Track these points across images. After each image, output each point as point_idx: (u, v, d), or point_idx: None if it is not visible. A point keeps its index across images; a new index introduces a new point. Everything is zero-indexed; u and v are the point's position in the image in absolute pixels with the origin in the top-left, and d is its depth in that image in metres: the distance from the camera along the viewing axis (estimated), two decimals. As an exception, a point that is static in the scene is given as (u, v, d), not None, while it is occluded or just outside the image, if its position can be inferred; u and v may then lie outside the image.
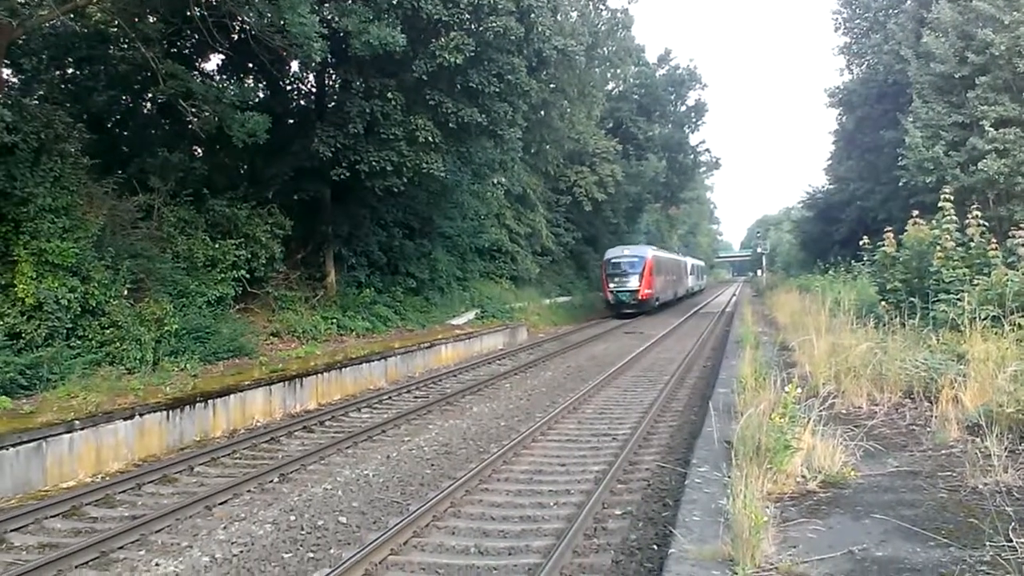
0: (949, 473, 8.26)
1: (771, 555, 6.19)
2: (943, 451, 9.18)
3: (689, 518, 7.27)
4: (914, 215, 18.46)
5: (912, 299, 15.70)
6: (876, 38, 44.23)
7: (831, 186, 58.31)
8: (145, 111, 24.75)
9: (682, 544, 6.55)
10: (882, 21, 44.42)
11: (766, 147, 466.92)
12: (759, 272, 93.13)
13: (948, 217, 16.59)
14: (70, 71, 22.84)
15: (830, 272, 33.65)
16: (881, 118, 43.32)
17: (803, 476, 8.30)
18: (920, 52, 34.49)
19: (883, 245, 18.81)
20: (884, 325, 14.92)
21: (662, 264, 51.31)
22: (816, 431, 8.87)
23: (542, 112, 34.69)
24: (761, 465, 7.82)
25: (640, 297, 45.20)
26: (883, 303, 17.44)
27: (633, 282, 45.25)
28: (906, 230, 18.23)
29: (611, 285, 45.88)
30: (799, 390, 9.08)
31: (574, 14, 38.50)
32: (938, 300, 14.73)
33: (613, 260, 46.73)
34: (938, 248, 16.08)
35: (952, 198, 17.01)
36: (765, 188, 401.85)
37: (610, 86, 58.84)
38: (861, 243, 21.39)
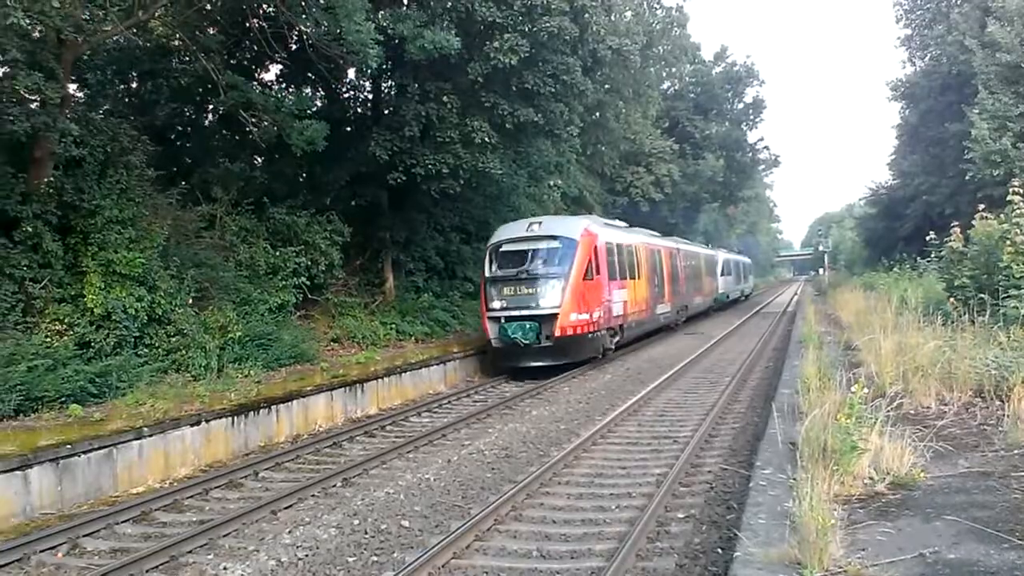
0: (1023, 473, 8.03)
1: (839, 558, 6.07)
2: (1016, 451, 8.93)
3: (754, 521, 7.16)
4: (981, 209, 18.00)
5: (981, 295, 15.30)
6: (939, 29, 43.19)
7: (895, 181, 57.05)
8: (206, 122, 25.22)
9: (747, 547, 6.45)
10: (945, 11, 43.40)
11: (827, 143, 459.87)
12: (821, 271, 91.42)
13: (1018, 210, 16.13)
14: (134, 85, 23.37)
15: (895, 269, 32.96)
16: (945, 111, 42.32)
17: (871, 478, 8.13)
18: (985, 42, 33.64)
19: (950, 240, 18.38)
20: (952, 323, 14.56)
21: (633, 255, 28.36)
22: (883, 432, 8.68)
23: (597, 113, 34.55)
24: (827, 467, 7.68)
25: (561, 332, 21.39)
26: (951, 300, 17.02)
27: (546, 295, 21.70)
28: (973, 225, 17.79)
29: (493, 304, 22.11)
30: (865, 390, 8.89)
31: (628, 13, 38.23)
32: (1008, 296, 14.32)
33: (505, 247, 23.17)
34: (1008, 243, 15.63)
35: (1021, 191, 16.55)
36: (826, 185, 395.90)
37: (665, 85, 58.41)
38: (927, 239, 20.93)
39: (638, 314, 28.09)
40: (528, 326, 21.23)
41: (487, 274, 22.68)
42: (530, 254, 22.49)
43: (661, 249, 33.91)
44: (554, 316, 21.25)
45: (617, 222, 30.88)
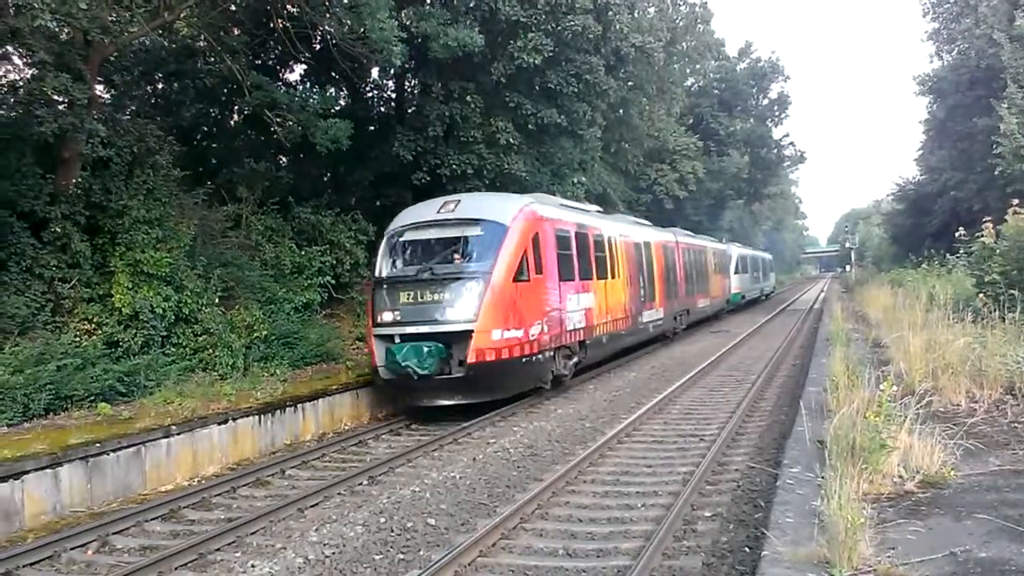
0: (1056, 472, 7.94)
1: (868, 557, 6.00)
2: (1049, 449, 8.82)
3: (782, 519, 7.11)
4: (1013, 204, 17.78)
5: (1012, 291, 15.10)
6: (967, 22, 42.67)
7: (922, 177, 56.44)
8: (232, 123, 25.43)
9: (775, 546, 6.40)
10: (973, 5, 42.86)
11: (853, 138, 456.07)
12: (847, 267, 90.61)
13: (1051, 205, 15.94)
14: (160, 86, 23.59)
15: (923, 266, 32.62)
16: (974, 105, 41.81)
17: (900, 476, 8.06)
18: (1014, 35, 33.27)
19: (981, 236, 18.17)
20: (982, 319, 14.39)
21: (606, 247, 22.48)
22: (913, 430, 8.61)
23: (621, 111, 34.51)
24: (856, 465, 7.61)
25: (478, 357, 15.27)
26: (980, 296, 16.83)
27: (458, 303, 15.60)
28: (1005, 219, 17.57)
29: (383, 317, 16.11)
30: (894, 388, 8.81)
31: (651, 10, 38.21)
32: (1041, 292, 14.16)
33: (407, 235, 17.38)
34: (1040, 238, 15.46)
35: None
36: (853, 181, 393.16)
37: (689, 82, 58.21)
38: (957, 235, 20.70)
39: (612, 324, 22.06)
40: (428, 349, 14.89)
41: (377, 274, 16.87)
42: (439, 245, 16.63)
43: (651, 242, 28.08)
44: (467, 334, 15.01)
45: (587, 205, 24.72)
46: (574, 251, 19.39)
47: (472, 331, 15.05)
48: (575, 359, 19.31)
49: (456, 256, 16.28)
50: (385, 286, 16.31)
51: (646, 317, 25.84)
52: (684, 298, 32.26)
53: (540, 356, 16.89)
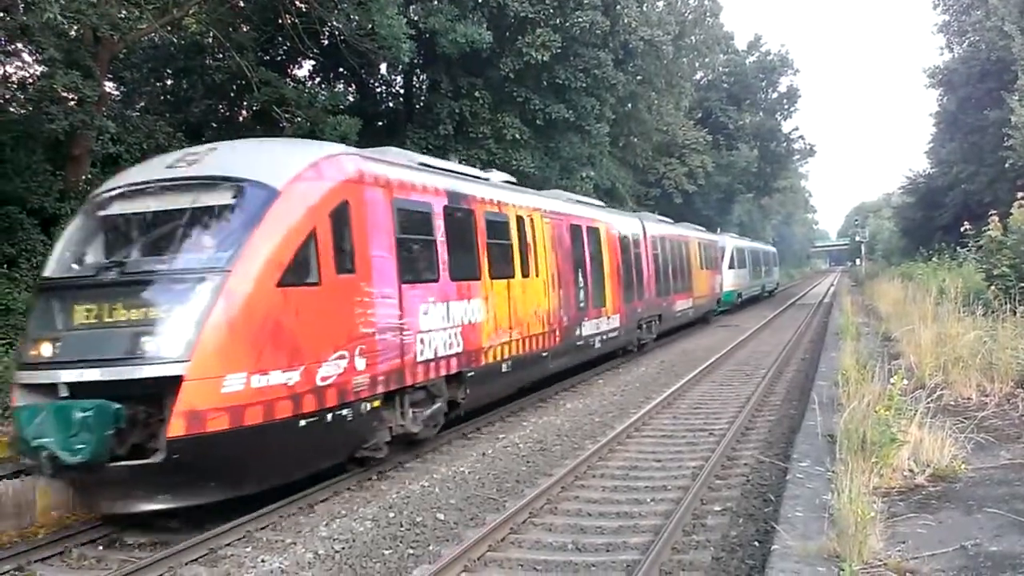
0: (1067, 466, 7.91)
1: (879, 551, 6.00)
2: (1060, 443, 8.80)
3: (792, 513, 7.10)
4: (1020, 197, 17.72)
5: (1022, 284, 15.06)
6: (978, 14, 42.45)
7: (933, 170, 56.26)
8: (241, 119, 25.47)
9: (785, 540, 6.40)
10: (983, -3, 42.74)
11: (863, 131, 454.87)
12: (858, 261, 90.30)
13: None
14: (169, 82, 23.67)
15: (933, 259, 32.51)
16: (984, 97, 41.65)
17: (911, 470, 8.05)
18: (1025, 27, 33.09)
19: (989, 229, 18.10)
20: (992, 313, 14.34)
21: (512, 229, 15.67)
22: (923, 423, 8.60)
23: (629, 105, 34.50)
24: (866, 459, 7.60)
25: (194, 426, 8.21)
26: (991, 289, 16.77)
27: (168, 325, 8.45)
28: (1011, 212, 17.51)
29: (37, 351, 8.72)
30: (905, 381, 8.79)
31: (660, 3, 38.12)
32: (1051, 285, 14.12)
33: (112, 208, 9.89)
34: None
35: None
36: (863, 174, 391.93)
37: (698, 75, 58.15)
38: (963, 229, 20.64)
39: (522, 344, 15.52)
40: (86, 415, 8.13)
41: (43, 275, 10.06)
42: (161, 225, 9.81)
43: (600, 227, 21.21)
44: (172, 384, 8.40)
45: (497, 177, 17.42)
46: (440, 236, 12.73)
47: (182, 377, 8.31)
48: (439, 403, 12.60)
49: (177, 242, 9.41)
50: (48, 295, 9.46)
51: (589, 329, 19.44)
52: (654, 300, 25.84)
53: (347, 411, 10.15)
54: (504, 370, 14.71)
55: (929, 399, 9.45)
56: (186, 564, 8.27)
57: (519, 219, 15.85)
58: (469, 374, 13.42)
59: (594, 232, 20.61)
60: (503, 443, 13.22)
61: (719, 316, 36.58)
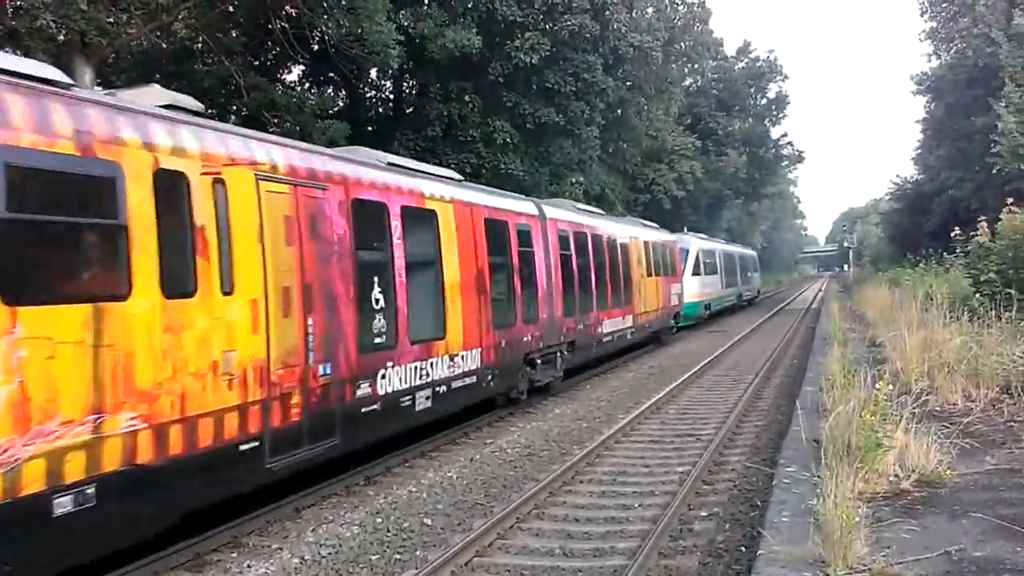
0: (1051, 471, 7.96)
1: (864, 556, 6.03)
2: (1044, 448, 8.85)
3: (778, 519, 7.13)
4: (1009, 203, 17.82)
5: (1008, 291, 15.13)
6: (965, 21, 42.73)
7: (920, 176, 56.57)
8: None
9: (771, 545, 6.43)
10: (970, 4, 42.89)
11: (852, 138, 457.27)
12: (845, 267, 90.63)
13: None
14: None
15: (920, 265, 32.63)
16: (972, 104, 41.88)
17: (896, 475, 8.09)
18: (1012, 34, 33.31)
19: (976, 235, 18.19)
20: (978, 318, 14.42)
21: (191, 201, 7.63)
22: (909, 429, 8.64)
23: (619, 110, 34.58)
24: (852, 464, 7.65)
25: None
26: (977, 295, 16.85)
27: None
28: (1000, 219, 17.61)
29: None
30: (890, 387, 8.84)
31: (650, 9, 38.23)
32: (1036, 291, 14.20)
33: None
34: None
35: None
36: (851, 180, 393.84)
37: (688, 81, 58.29)
38: (952, 234, 20.74)
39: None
40: None
41: None
42: None
43: (437, 210, 12.86)
44: None
45: (185, 105, 8.77)
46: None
47: None
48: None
49: None
50: None
51: (395, 382, 11.40)
52: (562, 321, 18.35)
53: None
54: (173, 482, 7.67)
55: (915, 404, 9.50)
56: (171, 569, 8.24)
57: (190, 183, 7.79)
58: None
59: (425, 218, 12.68)
60: (490, 448, 13.24)
61: (648, 347, 27.59)
